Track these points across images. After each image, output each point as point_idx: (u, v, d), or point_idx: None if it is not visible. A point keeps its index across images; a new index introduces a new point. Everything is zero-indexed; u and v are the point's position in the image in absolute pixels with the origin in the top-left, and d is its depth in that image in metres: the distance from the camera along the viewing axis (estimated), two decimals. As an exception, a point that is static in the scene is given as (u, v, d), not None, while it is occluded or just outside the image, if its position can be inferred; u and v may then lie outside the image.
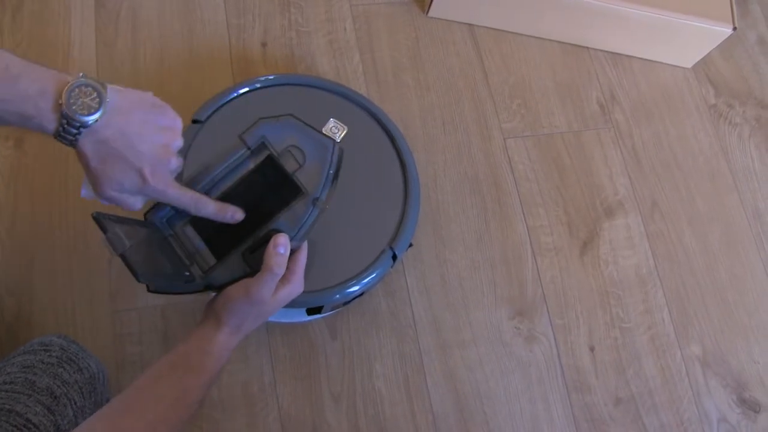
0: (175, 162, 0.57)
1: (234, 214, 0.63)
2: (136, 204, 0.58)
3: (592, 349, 0.96)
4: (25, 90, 0.48)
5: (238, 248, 0.63)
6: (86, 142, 0.51)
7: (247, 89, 0.83)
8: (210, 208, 0.61)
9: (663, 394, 0.95)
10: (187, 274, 0.61)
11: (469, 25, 1.13)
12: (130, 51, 1.01)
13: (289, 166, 0.65)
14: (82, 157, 0.53)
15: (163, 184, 0.56)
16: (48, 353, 0.65)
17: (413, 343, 0.92)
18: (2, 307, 0.86)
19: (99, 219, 0.54)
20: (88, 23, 1.02)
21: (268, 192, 0.64)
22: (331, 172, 0.65)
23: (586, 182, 1.05)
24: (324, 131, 0.83)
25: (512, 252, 0.99)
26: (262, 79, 0.84)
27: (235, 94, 0.82)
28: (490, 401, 0.91)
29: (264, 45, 1.05)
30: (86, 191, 0.57)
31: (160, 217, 0.64)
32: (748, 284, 1.03)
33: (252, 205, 0.64)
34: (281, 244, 0.61)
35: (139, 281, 0.55)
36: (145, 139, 0.54)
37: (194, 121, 0.80)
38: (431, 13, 1.11)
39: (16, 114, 0.48)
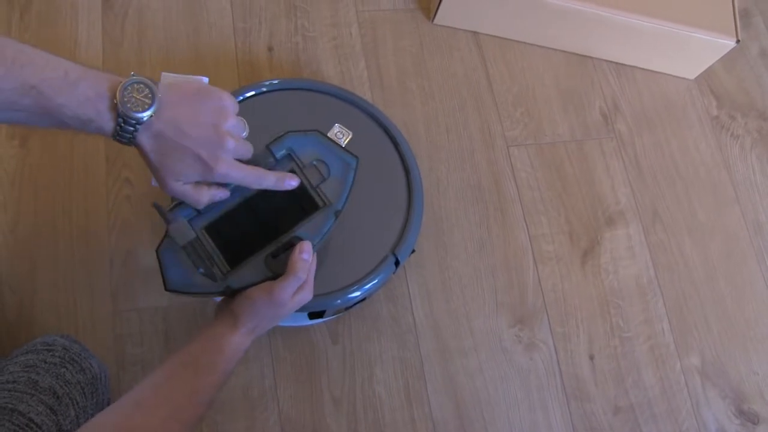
0: (232, 142, 0.56)
1: (291, 180, 0.64)
2: (202, 197, 0.59)
3: (591, 358, 0.96)
4: (85, 94, 0.50)
5: (260, 253, 0.64)
6: (143, 138, 0.53)
7: (252, 93, 0.84)
8: (270, 179, 0.62)
9: (662, 404, 0.95)
10: (213, 271, 0.62)
11: (474, 32, 1.13)
12: (137, 52, 1.02)
13: (314, 179, 0.67)
14: (142, 153, 0.54)
15: (225, 167, 0.56)
16: (51, 353, 0.65)
17: (414, 348, 0.92)
18: (4, 305, 0.86)
19: (160, 209, 0.58)
20: (94, 24, 1.02)
21: (290, 201, 0.66)
22: (352, 186, 0.68)
23: (587, 191, 1.06)
24: (329, 136, 0.83)
25: (514, 260, 1.00)
26: (267, 83, 0.85)
27: (241, 98, 0.83)
28: (489, 408, 0.91)
29: (270, 49, 1.05)
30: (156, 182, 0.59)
31: (182, 218, 0.65)
32: (748, 296, 1.04)
33: (272, 213, 0.65)
34: (306, 250, 0.62)
35: (200, 273, 0.61)
36: (197, 125, 0.55)
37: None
38: (436, 21, 1.12)
39: (77, 119, 0.50)
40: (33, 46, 0.49)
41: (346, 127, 0.84)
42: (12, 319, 0.86)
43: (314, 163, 0.68)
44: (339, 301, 0.77)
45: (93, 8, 1.03)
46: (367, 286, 0.77)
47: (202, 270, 0.62)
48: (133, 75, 0.52)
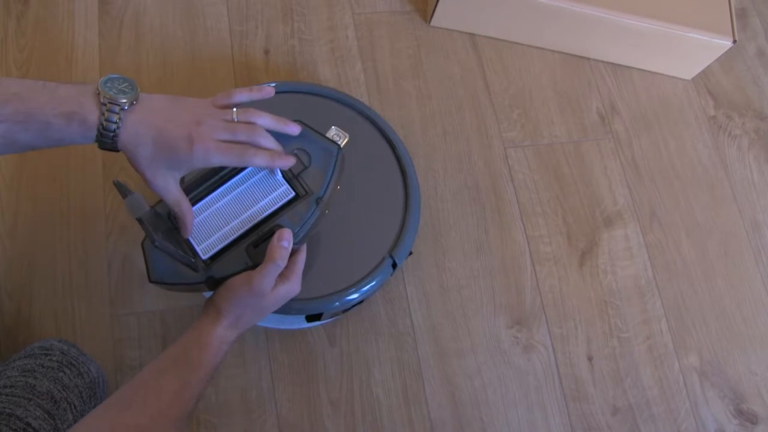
0: (213, 120, 0.58)
1: (287, 160, 0.64)
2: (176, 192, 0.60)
3: (590, 359, 0.96)
4: (66, 92, 0.52)
5: (241, 243, 0.64)
6: (128, 128, 0.54)
7: (249, 96, 0.84)
8: (261, 157, 0.61)
9: (660, 404, 0.95)
10: (193, 260, 0.63)
11: (471, 34, 1.14)
12: (134, 57, 1.02)
13: (295, 168, 0.67)
14: (128, 146, 0.55)
15: (203, 145, 0.56)
16: (48, 357, 0.65)
17: (412, 350, 0.92)
18: (2, 310, 0.86)
19: (119, 185, 0.57)
20: (91, 29, 1.03)
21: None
22: (334, 174, 0.68)
23: (585, 192, 1.06)
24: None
25: (511, 261, 1.00)
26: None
27: (238, 101, 0.83)
28: (487, 409, 0.91)
29: (266, 52, 1.06)
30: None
31: (167, 212, 0.66)
32: (746, 295, 1.04)
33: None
34: (285, 238, 0.62)
35: (155, 246, 0.59)
36: (183, 105, 0.58)
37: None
38: (433, 22, 1.12)
39: (60, 115, 0.51)
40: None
41: (342, 130, 0.84)
42: (10, 325, 0.86)
43: (295, 152, 0.68)
44: (336, 303, 0.77)
45: (90, 13, 1.03)
46: (364, 289, 0.77)
47: (160, 239, 0.62)
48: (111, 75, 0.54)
